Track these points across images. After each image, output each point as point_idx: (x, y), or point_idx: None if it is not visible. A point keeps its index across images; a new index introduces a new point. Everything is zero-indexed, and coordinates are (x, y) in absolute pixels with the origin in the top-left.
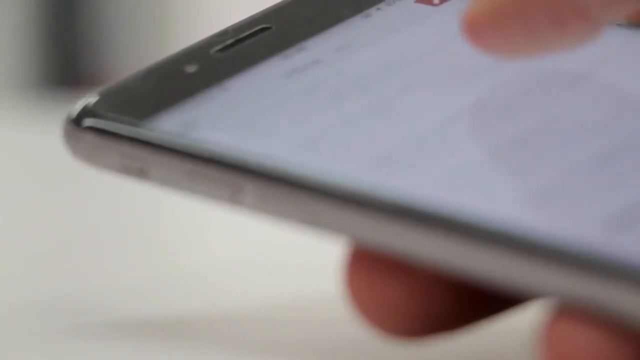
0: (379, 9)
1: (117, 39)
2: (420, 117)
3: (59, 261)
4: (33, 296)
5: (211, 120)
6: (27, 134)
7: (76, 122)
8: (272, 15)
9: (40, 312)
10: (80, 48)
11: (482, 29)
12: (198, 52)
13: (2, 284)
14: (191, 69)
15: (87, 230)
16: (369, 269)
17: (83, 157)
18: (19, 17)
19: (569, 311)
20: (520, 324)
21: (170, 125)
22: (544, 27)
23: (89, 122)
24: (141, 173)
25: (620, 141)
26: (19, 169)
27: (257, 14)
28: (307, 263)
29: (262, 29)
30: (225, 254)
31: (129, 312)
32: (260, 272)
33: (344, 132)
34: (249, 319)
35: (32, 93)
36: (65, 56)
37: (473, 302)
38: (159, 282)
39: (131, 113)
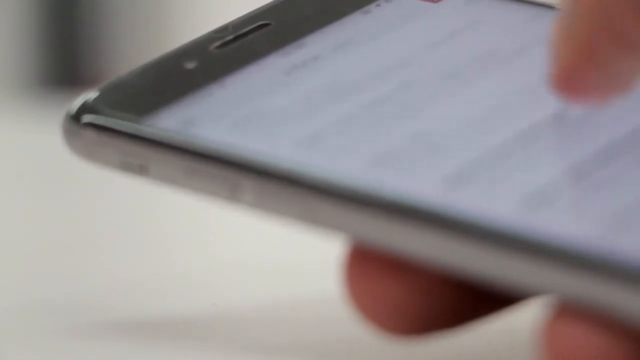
0: (378, 5)
1: (117, 39)
2: (420, 115)
3: (59, 261)
4: (33, 296)
5: (210, 117)
6: (27, 134)
7: (75, 118)
8: (272, 11)
9: (40, 312)
10: (80, 48)
11: (572, 84)
12: (197, 49)
13: (2, 284)
14: (190, 65)
15: (87, 229)
16: (368, 267)
17: (82, 153)
18: (19, 18)
19: (569, 310)
20: (520, 323)
21: (170, 121)
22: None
23: (88, 118)
24: (140, 170)
25: (622, 140)
26: (18, 169)
27: (256, 10)
28: (307, 263)
29: (262, 25)
30: (225, 254)
31: (129, 312)
32: (261, 272)
33: (343, 129)
34: (249, 319)
35: (32, 93)
36: (65, 56)
37: (472, 300)
38: (159, 282)
39: (130, 109)
